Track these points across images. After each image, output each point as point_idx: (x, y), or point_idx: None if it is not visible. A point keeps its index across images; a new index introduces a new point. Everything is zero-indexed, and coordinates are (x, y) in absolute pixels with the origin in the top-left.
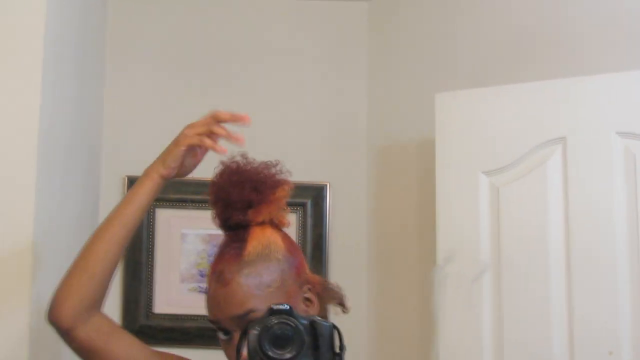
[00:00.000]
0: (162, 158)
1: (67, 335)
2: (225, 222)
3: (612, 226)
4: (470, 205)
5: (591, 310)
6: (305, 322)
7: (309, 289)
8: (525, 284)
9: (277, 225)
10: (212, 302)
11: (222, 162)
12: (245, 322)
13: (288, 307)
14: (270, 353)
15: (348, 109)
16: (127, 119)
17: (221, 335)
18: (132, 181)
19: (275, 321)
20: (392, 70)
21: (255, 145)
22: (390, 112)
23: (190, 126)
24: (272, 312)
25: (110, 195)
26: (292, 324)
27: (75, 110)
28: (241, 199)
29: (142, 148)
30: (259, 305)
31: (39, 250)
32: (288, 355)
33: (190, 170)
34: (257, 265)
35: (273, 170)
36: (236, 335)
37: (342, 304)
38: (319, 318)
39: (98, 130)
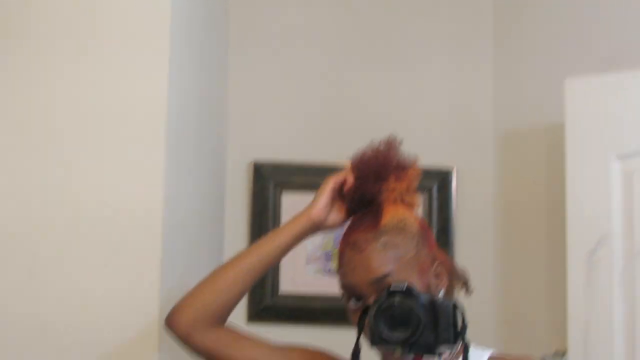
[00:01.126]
0: (312, 202)
1: (184, 341)
2: (360, 197)
3: None
4: (602, 190)
5: None
6: (424, 301)
7: (439, 265)
8: None
9: (408, 205)
10: (347, 268)
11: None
12: (381, 286)
13: (405, 288)
14: (384, 335)
15: (474, 92)
16: (253, 104)
17: (352, 304)
18: (257, 167)
19: (392, 302)
20: (519, 53)
21: (383, 129)
22: (517, 96)
23: (332, 176)
24: (389, 292)
25: (237, 181)
26: (406, 305)
27: (202, 97)
28: (377, 174)
29: (268, 133)
30: (395, 271)
31: (167, 238)
32: (401, 336)
33: (338, 224)
34: (393, 235)
35: (401, 151)
36: (370, 300)
37: (466, 285)
38: (440, 297)
39: (224, 116)
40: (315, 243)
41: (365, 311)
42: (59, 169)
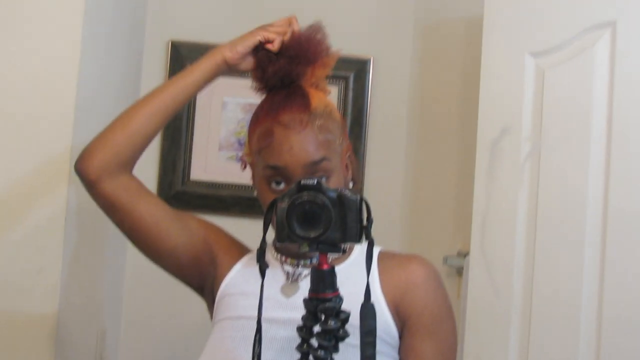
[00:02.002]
0: (232, 43)
1: (92, 187)
2: (282, 76)
3: None
4: (515, 85)
5: (628, 192)
6: (333, 195)
7: (350, 155)
8: (564, 169)
9: (323, 92)
10: (281, 147)
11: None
12: (318, 169)
13: (316, 182)
14: (297, 230)
15: None
16: None
17: (273, 186)
18: (175, 46)
19: (305, 198)
20: None
21: (304, 12)
22: None
23: (265, 25)
24: (300, 187)
25: (154, 60)
26: (319, 201)
27: None
28: (307, 57)
29: (187, 12)
30: (330, 155)
31: (80, 115)
32: (314, 234)
33: (248, 68)
34: (325, 120)
35: (323, 35)
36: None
37: (355, 179)
38: (348, 191)
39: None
40: (229, 129)
41: (271, 206)
42: None
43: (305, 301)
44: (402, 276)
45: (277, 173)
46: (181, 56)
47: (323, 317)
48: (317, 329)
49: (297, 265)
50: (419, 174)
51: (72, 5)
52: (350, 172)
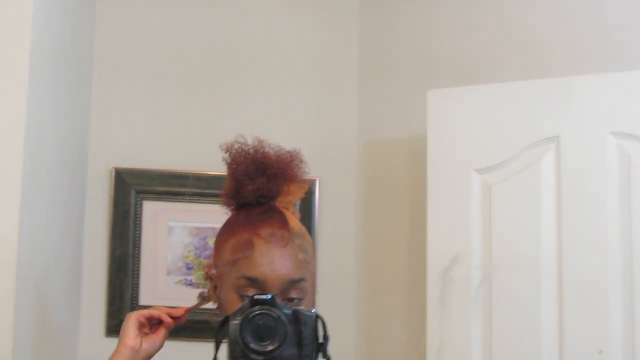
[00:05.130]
0: (120, 336)
1: None
2: (261, 194)
3: (605, 228)
4: (462, 203)
5: (581, 311)
6: (288, 312)
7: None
8: (516, 286)
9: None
10: (261, 260)
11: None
12: (295, 288)
13: (270, 297)
14: (252, 345)
15: (339, 103)
16: (115, 111)
17: (243, 301)
18: (119, 173)
19: (258, 312)
20: (383, 65)
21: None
22: (381, 108)
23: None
24: (253, 302)
25: (98, 188)
26: (274, 314)
27: (63, 104)
28: (284, 174)
29: (129, 140)
30: (306, 276)
31: (24, 248)
32: (270, 348)
33: (155, 351)
34: (302, 240)
35: (300, 158)
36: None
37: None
38: (303, 308)
39: (85, 123)
40: (176, 254)
41: (223, 323)
42: None
43: None
44: None
45: (253, 285)
46: (125, 183)
47: None
48: None
49: None
50: (369, 294)
51: (11, 141)
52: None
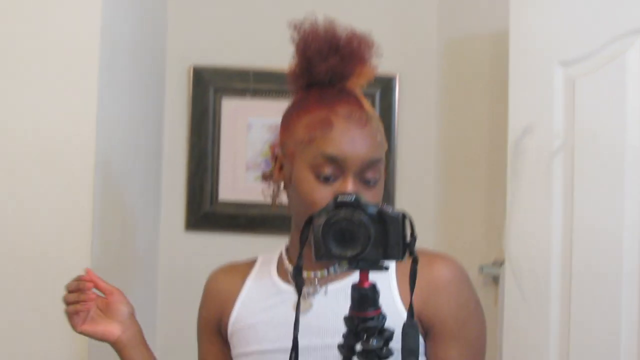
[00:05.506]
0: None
1: None
2: (336, 74)
3: None
4: (544, 96)
5: None
6: (373, 212)
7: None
8: (597, 176)
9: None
10: (342, 138)
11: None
12: (373, 170)
13: (354, 198)
14: (333, 250)
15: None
16: (192, 6)
17: (323, 180)
18: (197, 71)
19: (341, 215)
20: None
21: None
22: (462, 3)
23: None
24: (337, 203)
25: (176, 86)
26: (357, 219)
27: (138, 6)
28: (358, 54)
29: (208, 37)
30: (383, 159)
31: (102, 144)
32: (351, 253)
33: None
34: (378, 123)
35: (371, 40)
36: (344, 180)
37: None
38: (389, 207)
39: (163, 20)
40: (255, 150)
41: (308, 222)
42: None
43: (346, 319)
44: (424, 279)
45: (332, 163)
46: (203, 81)
47: (365, 336)
48: (358, 347)
49: (314, 278)
50: (450, 186)
51: (87, 43)
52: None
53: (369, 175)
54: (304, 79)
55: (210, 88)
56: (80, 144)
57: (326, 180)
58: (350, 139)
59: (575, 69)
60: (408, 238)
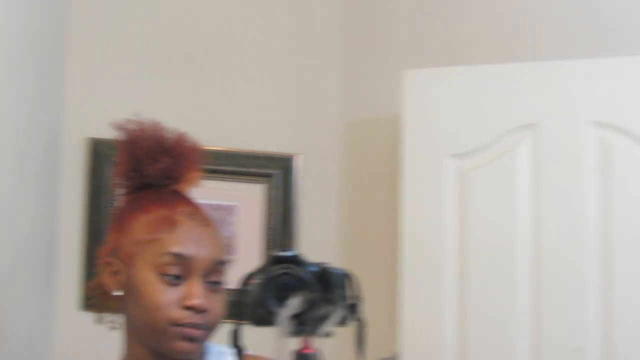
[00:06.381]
0: None
1: None
2: (169, 176)
3: (583, 219)
4: (436, 190)
5: (558, 303)
6: (314, 269)
7: None
8: (491, 277)
9: None
10: (188, 236)
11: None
12: (219, 271)
13: (294, 254)
14: (272, 307)
15: (322, 80)
16: (90, 80)
17: (170, 278)
18: (94, 143)
19: (281, 271)
20: (366, 41)
21: (229, 112)
22: (363, 85)
23: None
24: (275, 259)
25: (72, 158)
26: (299, 274)
27: (36, 66)
28: (190, 156)
29: (105, 109)
30: (228, 261)
31: None
32: (292, 311)
33: None
34: (217, 225)
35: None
36: (192, 282)
37: None
38: (331, 265)
39: (60, 92)
40: None
41: (244, 282)
42: None
43: None
44: None
45: (178, 263)
46: (100, 153)
47: None
48: None
49: None
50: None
51: None
52: None
53: (215, 277)
54: (134, 181)
55: (107, 160)
56: None
57: (174, 279)
58: (197, 238)
59: (467, 162)
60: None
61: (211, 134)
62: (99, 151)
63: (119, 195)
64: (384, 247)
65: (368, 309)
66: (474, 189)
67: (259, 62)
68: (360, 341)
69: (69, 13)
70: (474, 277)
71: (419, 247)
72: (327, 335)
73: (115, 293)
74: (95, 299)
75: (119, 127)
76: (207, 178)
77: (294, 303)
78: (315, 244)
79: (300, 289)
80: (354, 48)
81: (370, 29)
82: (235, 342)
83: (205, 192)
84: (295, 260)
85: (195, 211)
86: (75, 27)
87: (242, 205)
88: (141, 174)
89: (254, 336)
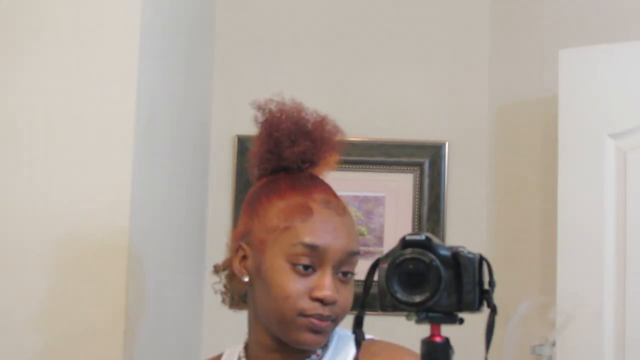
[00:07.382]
0: None
1: None
2: (306, 159)
3: None
4: (595, 170)
5: None
6: (446, 253)
7: None
8: None
9: None
10: (323, 226)
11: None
12: (351, 262)
13: (424, 238)
14: (398, 295)
15: (469, 66)
16: (238, 79)
17: (301, 268)
18: (241, 140)
19: (408, 256)
20: (514, 25)
21: (376, 104)
22: (512, 69)
23: None
24: (405, 243)
25: (221, 156)
26: (427, 259)
27: (184, 69)
28: (329, 140)
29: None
30: (359, 252)
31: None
32: (418, 299)
33: None
34: (351, 213)
35: (339, 127)
36: (323, 273)
37: None
38: (464, 248)
39: (208, 91)
40: None
41: (373, 267)
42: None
43: None
44: None
45: (310, 254)
46: (248, 150)
47: None
48: None
49: None
50: (501, 258)
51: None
52: None
53: (346, 268)
54: (271, 163)
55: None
56: (113, 219)
57: (305, 269)
58: (332, 228)
59: (626, 141)
60: (485, 285)
61: (359, 126)
62: (247, 148)
63: (253, 177)
64: (536, 232)
65: (521, 297)
66: (633, 168)
67: (407, 50)
68: (490, 329)
69: (216, 13)
70: (634, 260)
71: (577, 230)
72: (460, 322)
73: (244, 279)
74: (221, 281)
75: (259, 107)
76: (355, 170)
77: (421, 293)
78: (466, 231)
79: (429, 274)
80: (501, 32)
81: (519, 13)
82: (355, 329)
83: (354, 183)
84: (425, 244)
85: (331, 199)
86: (221, 28)
87: (390, 196)
88: (279, 156)
89: (381, 322)
